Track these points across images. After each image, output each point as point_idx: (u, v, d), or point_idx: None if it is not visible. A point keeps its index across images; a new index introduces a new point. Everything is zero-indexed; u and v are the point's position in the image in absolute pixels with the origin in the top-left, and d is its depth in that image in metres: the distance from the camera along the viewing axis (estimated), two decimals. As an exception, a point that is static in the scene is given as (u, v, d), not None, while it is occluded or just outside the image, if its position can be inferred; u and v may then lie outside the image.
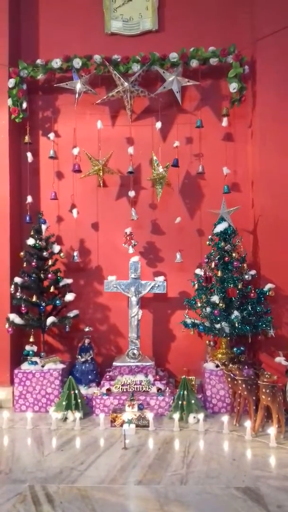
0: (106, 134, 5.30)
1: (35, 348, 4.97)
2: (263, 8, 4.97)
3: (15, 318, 4.82)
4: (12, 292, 4.90)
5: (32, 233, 5.02)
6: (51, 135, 5.31)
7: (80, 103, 5.14)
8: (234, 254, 4.68)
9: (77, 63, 5.04)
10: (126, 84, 4.98)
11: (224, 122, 5.10)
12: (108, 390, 4.52)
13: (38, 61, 5.10)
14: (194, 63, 5.02)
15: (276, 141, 4.92)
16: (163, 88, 5.06)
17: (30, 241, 4.98)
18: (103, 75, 5.15)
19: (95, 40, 5.32)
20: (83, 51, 5.08)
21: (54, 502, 2.88)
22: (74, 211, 5.26)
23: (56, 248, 5.08)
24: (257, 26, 5.00)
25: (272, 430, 3.73)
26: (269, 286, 4.70)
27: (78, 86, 5.05)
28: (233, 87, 4.93)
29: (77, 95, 5.09)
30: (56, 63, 5.07)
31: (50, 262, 5.00)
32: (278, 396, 3.87)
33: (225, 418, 4.04)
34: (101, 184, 5.26)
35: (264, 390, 3.86)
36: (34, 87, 5.38)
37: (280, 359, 4.32)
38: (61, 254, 5.12)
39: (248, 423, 3.88)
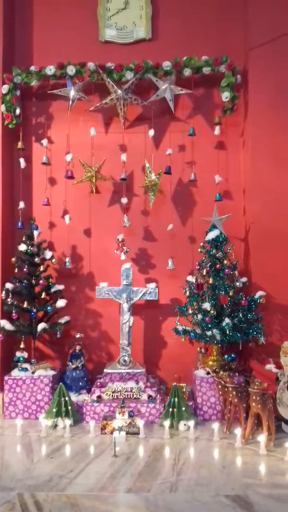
0: (99, 141, 5.32)
1: (25, 354, 4.94)
2: (255, 18, 5.03)
3: (5, 324, 4.79)
4: (3, 298, 4.88)
5: (24, 239, 5.01)
6: (44, 141, 5.31)
7: (73, 109, 5.16)
8: (225, 262, 4.71)
9: (70, 70, 5.07)
10: (119, 91, 5.01)
11: (217, 130, 5.15)
12: (99, 397, 4.50)
13: (32, 68, 5.12)
14: (187, 72, 5.06)
15: (267, 150, 4.96)
16: (156, 96, 5.09)
17: (22, 247, 4.96)
18: (96, 82, 5.17)
19: (89, 48, 5.34)
20: (77, 59, 5.10)
21: (43, 510, 2.86)
22: (66, 217, 5.26)
23: (48, 254, 5.07)
24: (249, 36, 5.06)
25: (262, 437, 3.74)
26: (260, 293, 4.72)
27: (72, 93, 5.07)
28: (226, 96, 4.98)
29: (70, 102, 5.11)
30: (50, 70, 5.09)
31: (41, 268, 4.99)
32: (268, 404, 3.87)
33: (215, 426, 4.04)
34: (94, 191, 5.27)
35: (254, 397, 3.87)
36: (28, 93, 5.39)
37: (270, 367, 4.33)
38: (53, 260, 5.11)
39: (238, 431, 3.89)
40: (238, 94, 5.08)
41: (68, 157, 5.22)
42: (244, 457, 3.63)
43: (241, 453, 3.71)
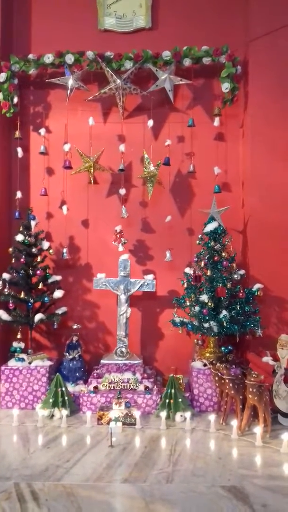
0: (98, 131, 5.27)
1: (22, 344, 4.93)
2: (256, 10, 4.98)
3: (2, 314, 4.78)
4: (0, 288, 4.85)
5: (21, 229, 4.98)
6: (42, 131, 5.26)
7: (71, 99, 5.11)
8: (223, 254, 4.70)
9: (69, 58, 5.01)
10: (118, 81, 4.96)
11: (216, 121, 5.11)
12: (96, 387, 4.51)
13: (30, 56, 5.07)
14: (187, 62, 5.02)
15: (267, 142, 4.93)
16: (156, 86, 5.05)
17: (19, 237, 4.93)
18: (95, 71, 5.12)
19: (88, 36, 5.28)
20: (76, 47, 5.04)
21: (39, 499, 2.86)
22: (64, 207, 5.22)
23: (45, 244, 5.04)
24: (250, 27, 5.01)
25: (258, 429, 3.75)
26: (257, 286, 4.72)
27: (70, 82, 5.02)
28: (225, 87, 4.94)
29: (69, 91, 5.06)
30: (48, 58, 5.03)
31: (39, 259, 4.97)
32: (264, 396, 3.89)
33: (211, 417, 4.05)
34: (92, 181, 5.23)
35: (251, 389, 3.88)
36: (26, 82, 5.33)
37: (267, 359, 4.34)
38: (50, 251, 5.09)
39: (234, 422, 3.90)
40: (238, 85, 5.04)
41: (66, 147, 5.17)
42: (240, 448, 3.65)
43: (237, 444, 3.73)
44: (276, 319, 4.90)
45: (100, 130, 5.32)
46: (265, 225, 4.91)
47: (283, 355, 4.32)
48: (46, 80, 5.16)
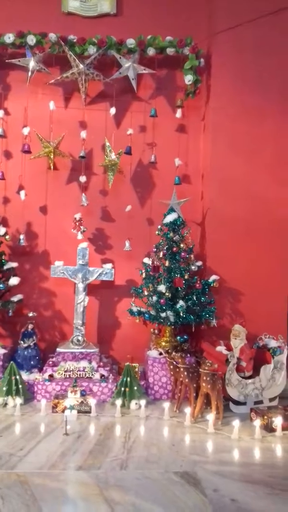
0: (59, 116, 5.18)
1: (-25, 332, 4.82)
2: (220, 4, 5.04)
3: None
4: None
5: (-24, 213, 4.84)
6: (0, 112, 5.09)
7: (32, 81, 4.97)
8: (182, 245, 4.75)
9: (31, 39, 4.87)
10: (81, 66, 4.88)
11: (178, 113, 5.14)
12: (51, 376, 4.47)
13: (-10, 34, 4.88)
14: (151, 51, 5.00)
15: (227, 136, 5.02)
16: (119, 74, 5.01)
17: (-26, 222, 4.79)
18: (57, 54, 5.01)
19: (51, 18, 5.15)
20: (38, 28, 4.91)
21: (-8, 488, 2.83)
22: (22, 192, 5.10)
23: (1, 230, 4.92)
24: (214, 21, 5.06)
25: (210, 416, 3.86)
26: (214, 277, 4.82)
27: (31, 64, 4.88)
28: (188, 79, 4.97)
29: (29, 73, 4.92)
30: (9, 38, 4.87)
31: (-6, 245, 4.85)
32: (217, 384, 4.00)
33: (166, 405, 4.12)
34: (51, 167, 5.14)
35: (204, 378, 3.97)
36: (-16, 61, 5.14)
37: (221, 348, 4.46)
38: (7, 237, 4.97)
39: (188, 410, 3.99)
40: (201, 78, 5.08)
41: (26, 131, 5.04)
42: (193, 435, 3.74)
43: (190, 431, 3.81)
44: (230, 309, 5.04)
45: (61, 115, 5.22)
46: (222, 218, 5.01)
47: (236, 344, 4.46)
48: (6, 60, 4.99)
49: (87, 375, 4.53)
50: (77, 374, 4.51)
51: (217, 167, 5.03)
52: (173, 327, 4.82)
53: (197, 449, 3.48)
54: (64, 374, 4.51)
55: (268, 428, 3.80)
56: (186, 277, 4.66)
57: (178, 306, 4.55)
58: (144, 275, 4.89)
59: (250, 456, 3.40)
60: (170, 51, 5.01)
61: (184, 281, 4.63)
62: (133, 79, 5.00)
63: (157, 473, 3.08)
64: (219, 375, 4.04)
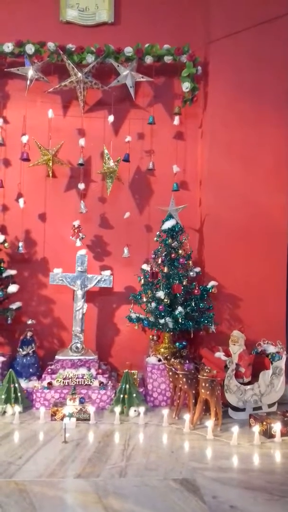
0: (57, 124, 5.21)
1: (-26, 340, 4.82)
2: (217, 12, 5.08)
3: None
4: None
5: (-25, 221, 4.86)
6: (-1, 121, 5.15)
7: (31, 90, 5.01)
8: (180, 251, 4.77)
9: (29, 48, 4.91)
10: (79, 74, 4.92)
11: (176, 120, 5.17)
12: (49, 383, 4.46)
13: (-12, 43, 4.93)
14: (148, 59, 5.04)
15: (224, 143, 5.06)
16: (117, 82, 5.04)
17: (-27, 230, 4.81)
18: (56, 63, 5.05)
19: (50, 27, 5.19)
20: (37, 37, 4.95)
21: (-10, 497, 2.82)
22: (21, 200, 5.12)
23: (0, 237, 4.94)
24: (211, 28, 5.11)
25: (209, 423, 3.85)
26: (212, 283, 4.83)
27: (30, 72, 4.92)
28: (186, 86, 5.00)
29: (28, 82, 4.95)
30: (8, 47, 4.91)
31: (-7, 252, 4.86)
32: (216, 390, 3.99)
33: (165, 412, 4.11)
34: (50, 175, 5.16)
35: (203, 384, 3.97)
36: (-17, 70, 5.18)
37: (219, 354, 4.46)
38: (6, 244, 4.99)
39: (187, 416, 3.98)
40: (198, 85, 5.12)
41: (24, 139, 5.07)
42: (192, 442, 3.73)
43: (189, 438, 3.81)
44: (229, 315, 5.04)
45: (60, 123, 5.26)
46: (220, 224, 5.03)
47: (235, 350, 4.46)
48: (5, 69, 5.03)
49: (86, 382, 4.53)
50: (76, 381, 4.51)
51: (214, 173, 5.06)
52: (172, 333, 4.82)
53: (196, 456, 3.47)
54: (63, 382, 4.50)
55: (267, 434, 3.79)
56: (184, 283, 4.67)
57: (176, 312, 4.55)
58: (142, 281, 4.90)
59: (249, 462, 3.40)
60: (167, 59, 5.05)
61: (182, 287, 4.64)
62: (131, 87, 5.04)
63: (156, 480, 3.07)
64: (218, 381, 4.04)
